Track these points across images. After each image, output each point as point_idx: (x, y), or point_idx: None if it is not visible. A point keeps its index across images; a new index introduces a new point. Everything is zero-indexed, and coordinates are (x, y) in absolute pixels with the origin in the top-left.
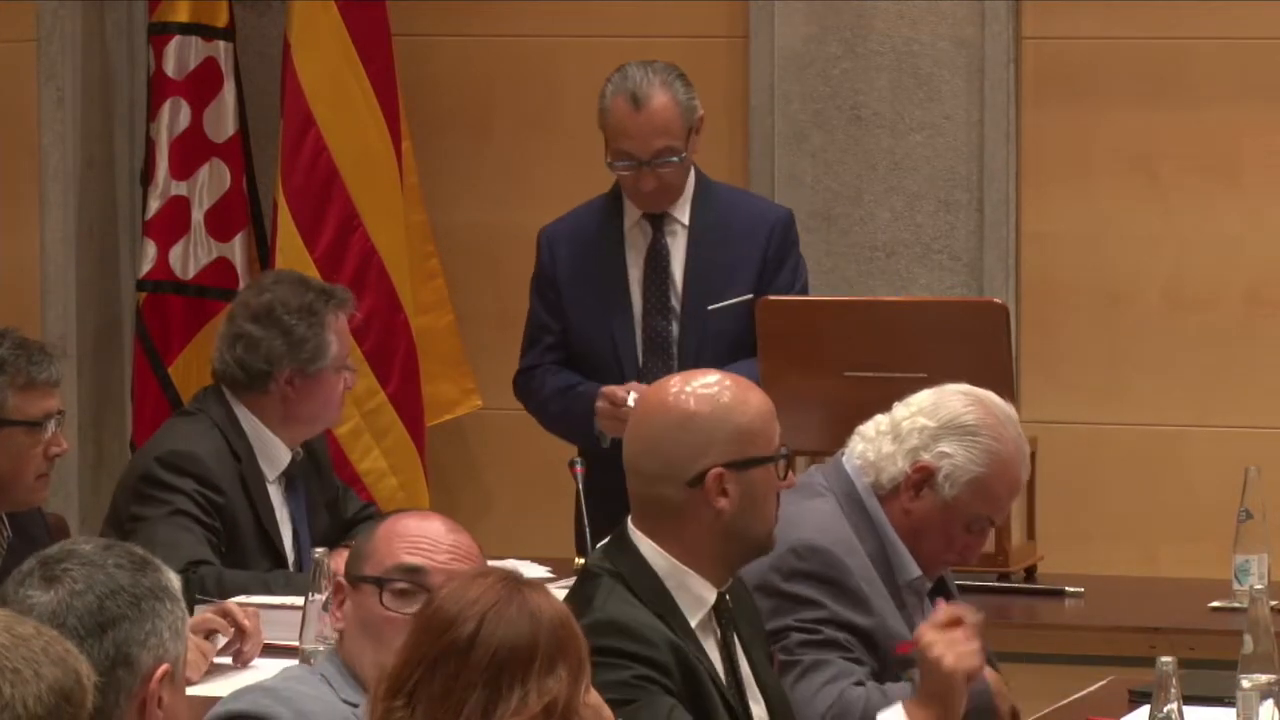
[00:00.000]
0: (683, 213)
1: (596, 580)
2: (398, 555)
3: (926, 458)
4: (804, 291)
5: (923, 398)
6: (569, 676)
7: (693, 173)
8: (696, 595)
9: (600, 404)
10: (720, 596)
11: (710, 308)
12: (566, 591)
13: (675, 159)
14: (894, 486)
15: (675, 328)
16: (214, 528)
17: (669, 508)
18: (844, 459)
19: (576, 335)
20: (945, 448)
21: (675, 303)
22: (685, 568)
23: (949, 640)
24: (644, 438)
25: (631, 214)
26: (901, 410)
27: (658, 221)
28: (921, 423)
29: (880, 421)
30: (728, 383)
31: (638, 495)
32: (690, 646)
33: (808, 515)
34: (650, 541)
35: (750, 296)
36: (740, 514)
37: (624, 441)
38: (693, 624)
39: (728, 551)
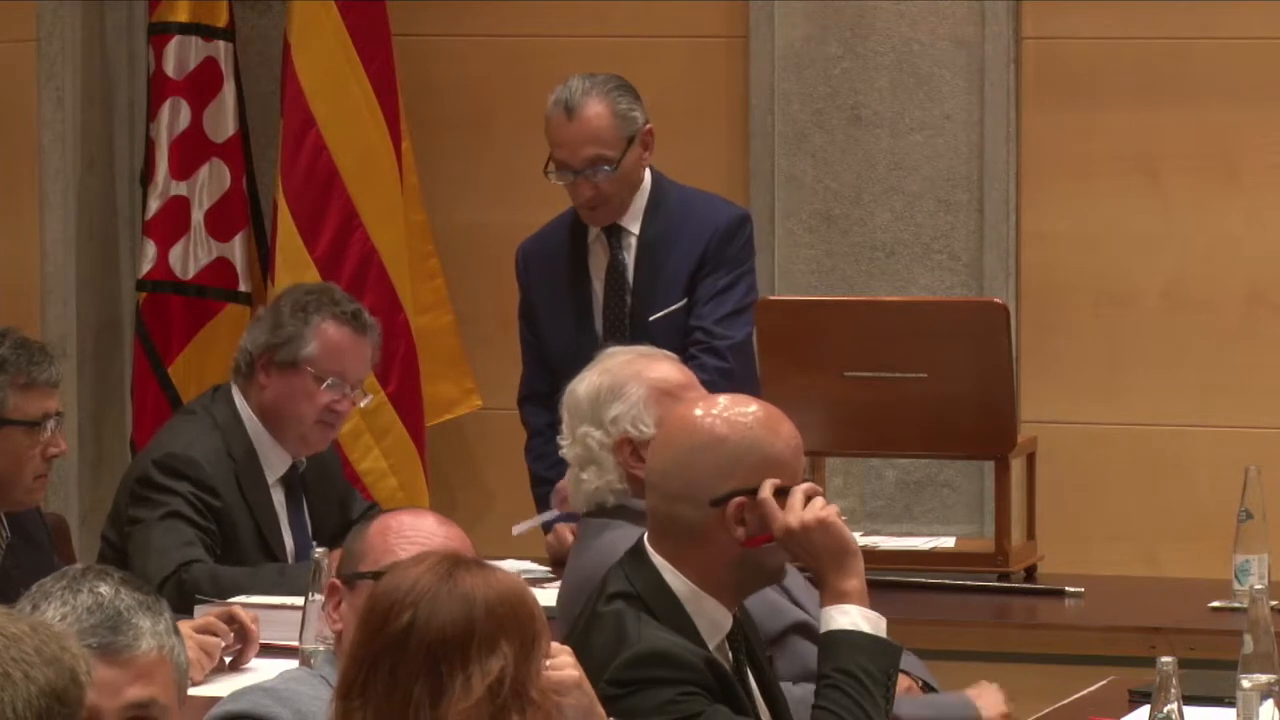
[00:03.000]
0: (634, 224)
1: (619, 609)
2: (394, 551)
3: (615, 435)
4: (727, 296)
5: (564, 424)
6: (515, 652)
7: (647, 184)
8: (714, 620)
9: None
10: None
11: (650, 319)
12: (581, 608)
13: (607, 168)
14: (624, 478)
15: (637, 339)
16: (209, 530)
17: (687, 529)
18: (593, 510)
19: (552, 354)
20: (612, 412)
21: (631, 318)
22: (703, 593)
23: (791, 504)
24: (669, 456)
25: (592, 229)
26: (566, 449)
27: (613, 236)
28: (581, 430)
29: (572, 471)
30: (760, 411)
31: (657, 513)
32: (725, 668)
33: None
34: (669, 564)
35: (685, 302)
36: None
37: (648, 456)
38: (710, 647)
39: (743, 579)
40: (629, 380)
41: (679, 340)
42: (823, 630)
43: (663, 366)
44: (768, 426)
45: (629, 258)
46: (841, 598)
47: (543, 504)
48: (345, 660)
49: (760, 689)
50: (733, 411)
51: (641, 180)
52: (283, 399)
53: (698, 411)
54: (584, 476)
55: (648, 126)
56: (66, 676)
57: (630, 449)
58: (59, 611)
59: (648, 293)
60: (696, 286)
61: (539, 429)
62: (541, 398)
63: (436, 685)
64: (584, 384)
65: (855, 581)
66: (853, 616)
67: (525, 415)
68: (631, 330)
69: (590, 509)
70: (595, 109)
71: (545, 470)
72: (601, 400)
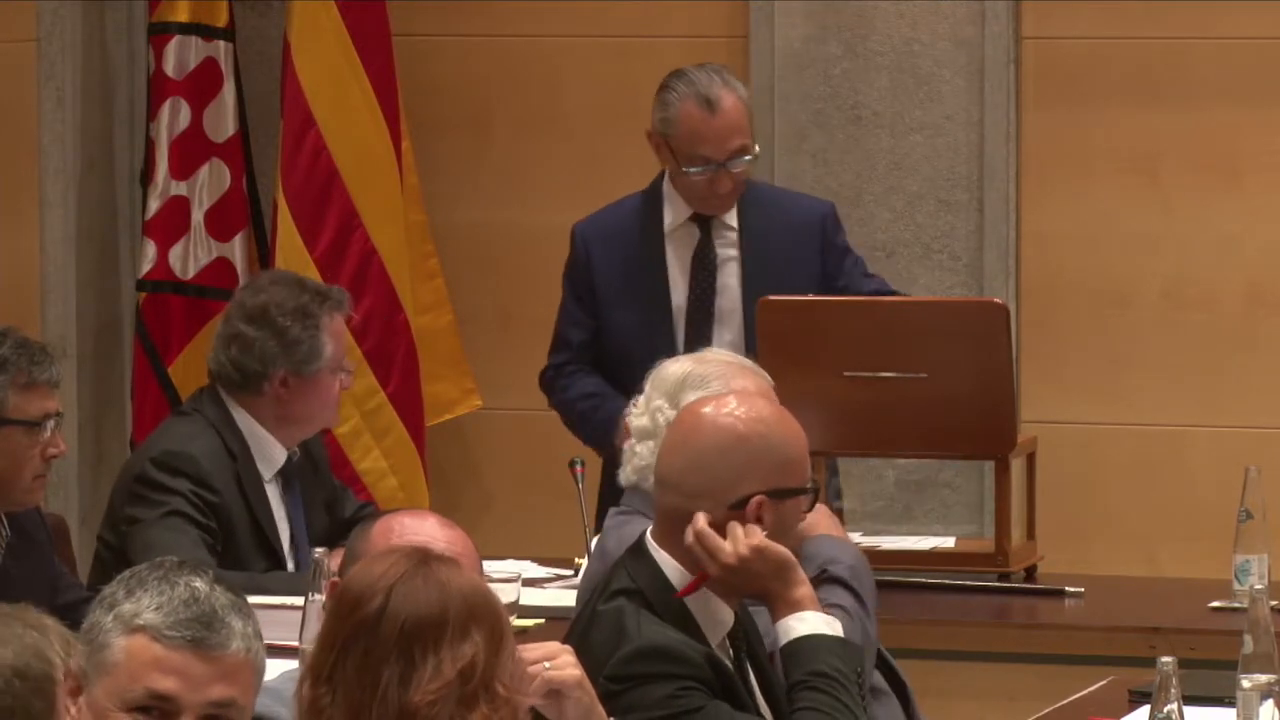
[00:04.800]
0: (730, 215)
1: (619, 605)
2: None
3: None
4: (867, 268)
5: (642, 397)
6: (486, 643)
7: None
8: (716, 617)
9: None
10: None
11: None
12: (582, 607)
13: (747, 157)
14: None
15: (718, 331)
16: (209, 528)
17: None
18: (634, 483)
19: (612, 336)
20: (688, 399)
21: (721, 307)
22: (707, 590)
23: (715, 547)
24: (689, 454)
25: (675, 215)
26: (635, 417)
27: (705, 223)
28: (656, 404)
29: (630, 443)
30: (774, 411)
31: (670, 510)
32: (726, 664)
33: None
34: (673, 561)
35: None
36: None
37: (661, 455)
38: (713, 645)
39: (747, 579)
40: (716, 378)
41: None
42: (782, 641)
43: (751, 382)
44: (783, 426)
45: (724, 247)
46: (795, 606)
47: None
48: (314, 648)
49: (761, 687)
50: (747, 411)
51: None
52: (311, 403)
53: (711, 410)
54: (639, 449)
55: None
56: (28, 654)
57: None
58: (154, 600)
59: (762, 284)
60: (838, 272)
61: (572, 379)
62: (579, 363)
63: (407, 667)
64: (677, 364)
65: (804, 588)
66: (810, 622)
67: (559, 376)
68: (745, 319)
69: (629, 485)
70: (731, 98)
71: (588, 389)
72: (687, 384)
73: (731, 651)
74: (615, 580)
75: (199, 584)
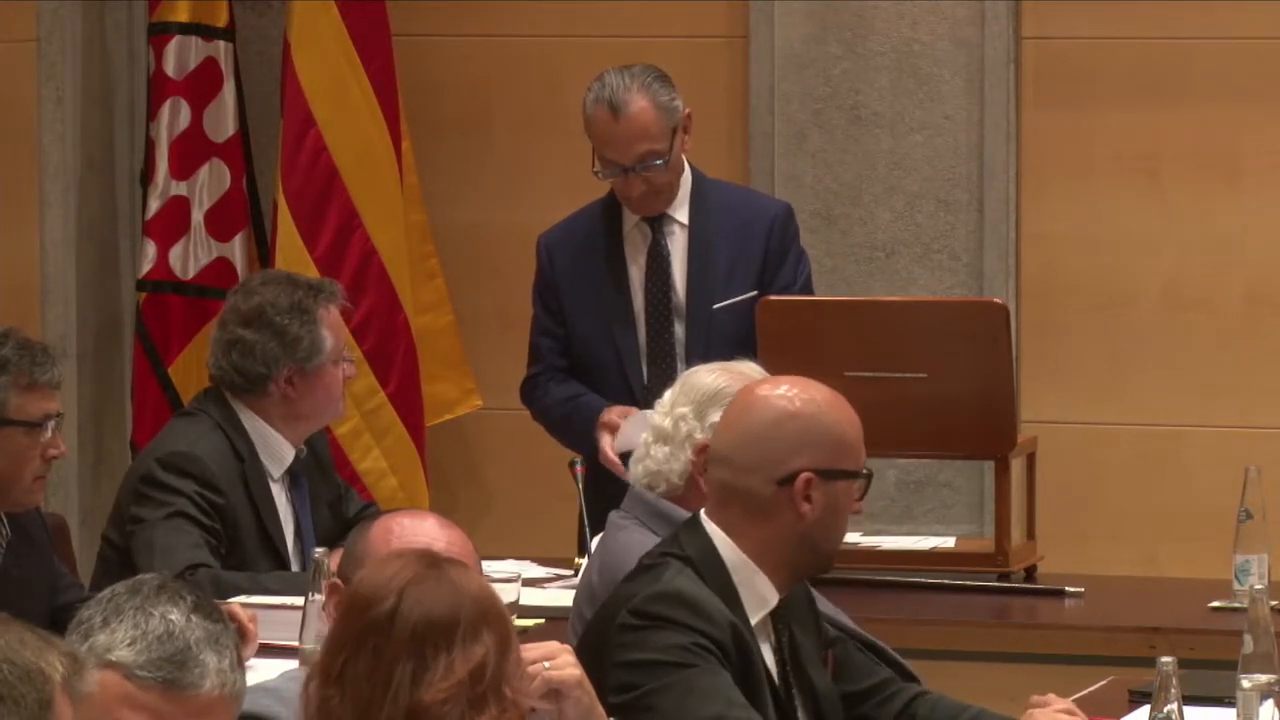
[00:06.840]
0: (681, 213)
1: (664, 563)
2: None
3: (702, 436)
4: (808, 284)
5: (669, 394)
6: (495, 646)
7: (688, 172)
8: (760, 595)
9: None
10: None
11: (715, 306)
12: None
13: (659, 162)
14: (686, 479)
15: (679, 329)
16: (213, 529)
17: (752, 502)
18: (643, 484)
19: (579, 341)
20: (714, 418)
21: (678, 304)
22: (754, 565)
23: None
24: (742, 429)
25: (630, 217)
26: (658, 416)
27: (656, 223)
28: (681, 411)
29: (645, 438)
30: (829, 394)
31: (723, 484)
32: (748, 637)
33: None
34: (724, 534)
35: (754, 294)
36: (818, 523)
37: (718, 430)
38: (753, 622)
39: (796, 559)
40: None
41: (742, 327)
42: None
43: None
44: (838, 409)
45: (674, 245)
46: None
47: (575, 432)
48: (323, 648)
49: (798, 683)
50: (802, 392)
51: (684, 165)
52: (318, 398)
53: (767, 390)
54: (654, 451)
55: (687, 112)
56: (22, 648)
57: (705, 456)
58: (129, 634)
59: (704, 281)
60: (775, 277)
61: (548, 387)
62: (555, 371)
63: (420, 666)
64: (711, 375)
65: None
66: None
67: (536, 386)
68: (687, 317)
69: (638, 483)
70: (640, 104)
71: (565, 394)
72: (717, 398)
73: (773, 634)
74: (665, 546)
75: (175, 615)
